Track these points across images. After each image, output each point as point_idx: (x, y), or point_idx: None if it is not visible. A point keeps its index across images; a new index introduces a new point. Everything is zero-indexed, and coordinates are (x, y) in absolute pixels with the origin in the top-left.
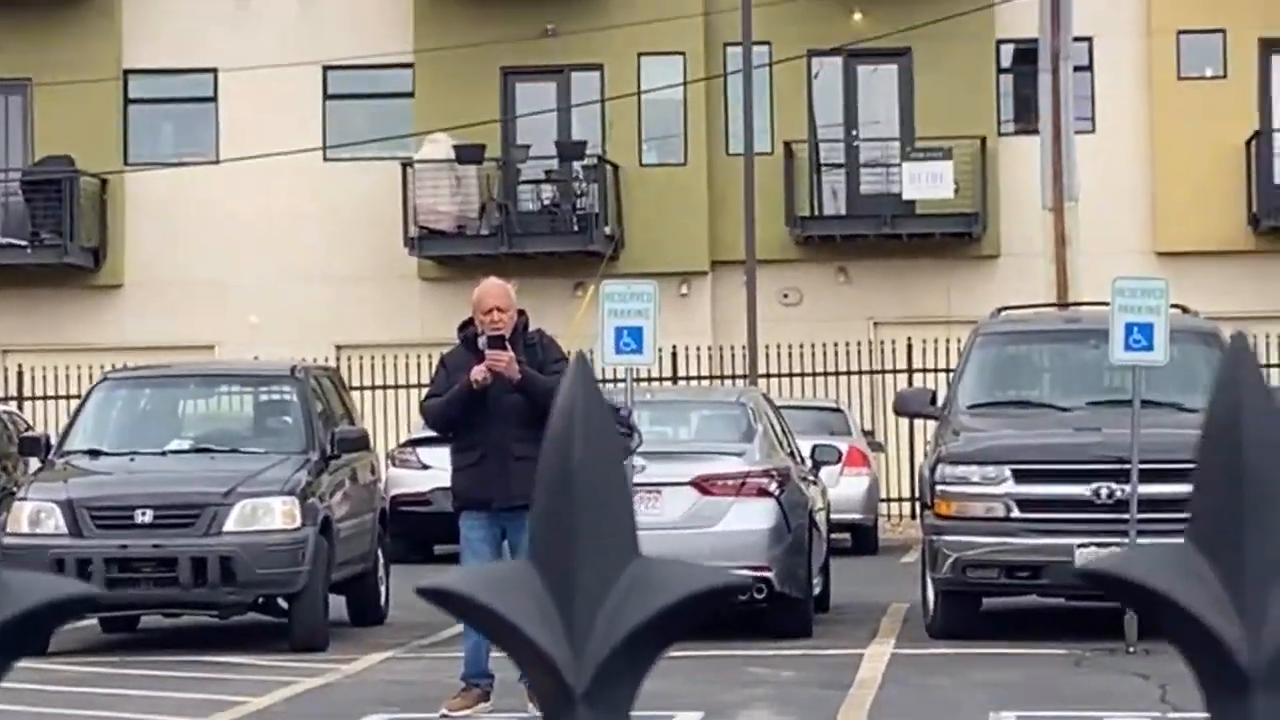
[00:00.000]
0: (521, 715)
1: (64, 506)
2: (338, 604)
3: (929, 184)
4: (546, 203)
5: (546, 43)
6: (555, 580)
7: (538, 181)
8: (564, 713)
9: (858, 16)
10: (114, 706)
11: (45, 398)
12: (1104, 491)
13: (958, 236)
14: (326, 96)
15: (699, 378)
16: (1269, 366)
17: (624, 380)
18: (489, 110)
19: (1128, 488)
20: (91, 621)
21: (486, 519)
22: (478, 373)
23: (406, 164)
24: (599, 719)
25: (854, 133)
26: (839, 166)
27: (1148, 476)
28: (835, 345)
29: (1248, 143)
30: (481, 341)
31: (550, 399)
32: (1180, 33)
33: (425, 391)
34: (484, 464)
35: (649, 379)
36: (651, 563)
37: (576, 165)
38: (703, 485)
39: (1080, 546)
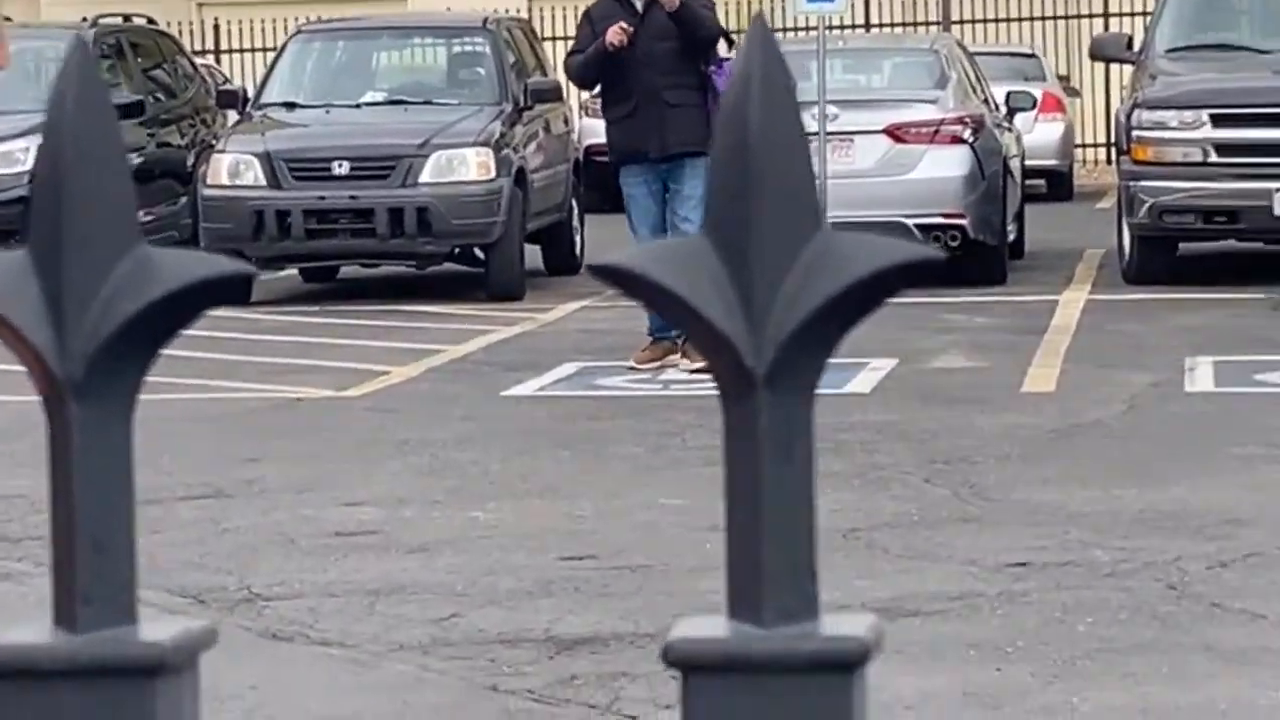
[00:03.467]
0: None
1: (262, 159)
2: (533, 254)
3: None
4: None
5: None
6: (732, 256)
7: None
8: (744, 395)
9: None
10: (315, 354)
11: (241, 50)
12: None
13: None
14: None
15: (891, 25)
16: None
17: (815, 29)
18: None
19: None
20: (292, 271)
21: (645, 171)
22: (613, 35)
23: None
24: (781, 402)
25: None
26: None
27: None
28: None
29: None
30: None
31: (705, 32)
32: None
33: (569, 46)
34: (638, 114)
35: (840, 26)
36: (836, 236)
37: None
38: (896, 133)
39: (1279, 191)
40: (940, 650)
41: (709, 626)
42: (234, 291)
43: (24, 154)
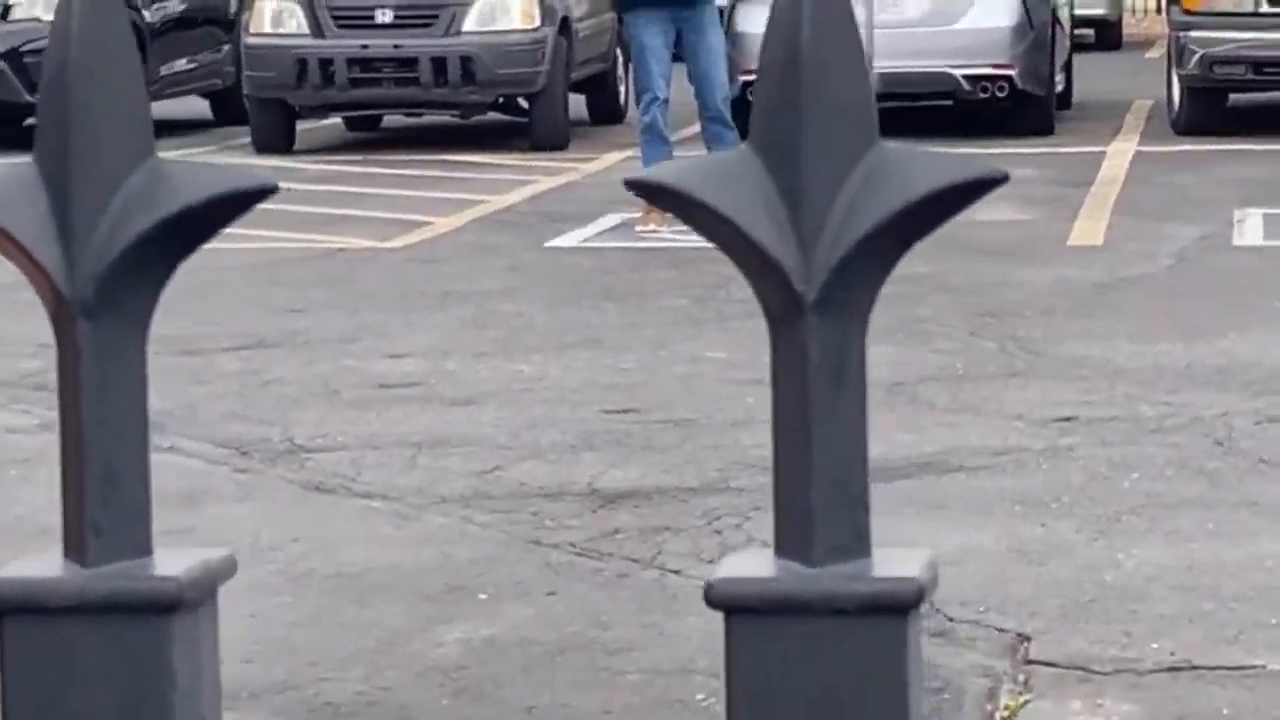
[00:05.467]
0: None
1: (305, 6)
2: (577, 103)
3: None
4: None
5: None
6: (782, 173)
7: None
8: (793, 321)
9: None
10: (359, 204)
11: None
12: None
13: None
14: None
15: None
16: None
17: None
18: None
19: None
20: (335, 121)
21: (662, 20)
22: None
23: None
24: (832, 328)
25: None
26: None
27: None
28: None
29: None
30: None
31: None
32: None
33: None
34: None
35: None
36: (891, 152)
37: None
38: None
39: None
40: (985, 505)
41: (755, 564)
42: (253, 205)
43: None
